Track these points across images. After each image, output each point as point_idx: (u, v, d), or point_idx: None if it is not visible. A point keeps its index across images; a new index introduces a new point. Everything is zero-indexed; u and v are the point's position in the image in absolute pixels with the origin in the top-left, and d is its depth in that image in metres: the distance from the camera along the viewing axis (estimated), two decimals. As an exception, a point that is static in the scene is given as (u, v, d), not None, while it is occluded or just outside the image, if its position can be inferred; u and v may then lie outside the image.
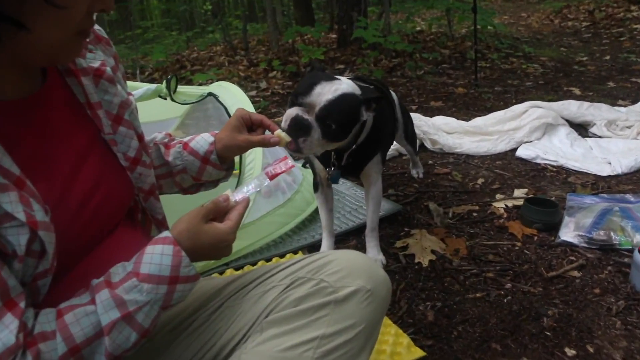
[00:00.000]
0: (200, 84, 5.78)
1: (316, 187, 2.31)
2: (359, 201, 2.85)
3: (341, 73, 6.58)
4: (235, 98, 2.70)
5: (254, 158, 2.45)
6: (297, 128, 1.66)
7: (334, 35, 9.17)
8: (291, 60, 7.31)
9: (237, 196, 1.14)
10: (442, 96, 5.13)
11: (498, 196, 2.89)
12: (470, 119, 4.08)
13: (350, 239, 2.56)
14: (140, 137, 1.24)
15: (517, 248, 2.37)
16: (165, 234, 1.02)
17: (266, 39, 10.01)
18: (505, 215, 2.66)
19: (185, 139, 1.49)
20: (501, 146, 3.55)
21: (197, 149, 1.41)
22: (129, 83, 2.65)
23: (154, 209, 1.31)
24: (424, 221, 2.67)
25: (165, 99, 2.67)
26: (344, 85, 1.72)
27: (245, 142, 1.36)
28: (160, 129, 3.52)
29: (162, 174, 1.44)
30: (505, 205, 2.75)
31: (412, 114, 3.76)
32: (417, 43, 7.63)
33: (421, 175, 3.24)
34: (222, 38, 8.51)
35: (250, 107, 2.63)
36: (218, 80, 6.50)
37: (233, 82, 6.47)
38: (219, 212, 1.10)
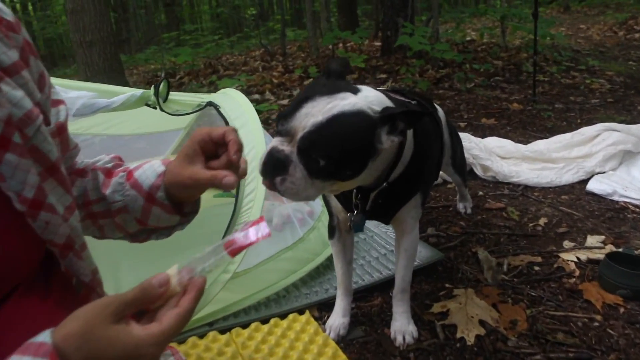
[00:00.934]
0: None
1: (332, 232, 1.77)
2: (390, 244, 2.29)
3: (383, 83, 6.03)
4: (240, 109, 2.19)
5: (256, 186, 1.93)
6: (273, 165, 1.17)
7: (379, 43, 8.62)
8: (329, 68, 6.79)
9: (185, 275, 0.73)
10: (494, 112, 4.51)
11: (566, 244, 2.28)
12: (528, 141, 3.47)
13: (375, 295, 2.00)
14: (50, 169, 0.82)
15: (596, 324, 1.76)
16: (44, 336, 0.63)
17: (307, 45, 9.54)
18: (577, 273, 2.05)
19: (132, 165, 1.06)
20: (568, 177, 2.92)
21: (141, 182, 1.00)
22: (107, 88, 2.19)
23: (76, 270, 0.89)
24: (470, 275, 2.09)
25: (155, 108, 2.18)
26: (350, 100, 1.19)
27: (191, 180, 0.92)
28: (160, 142, 3.08)
29: (100, 212, 1.04)
30: (577, 258, 2.14)
31: (460, 134, 3.18)
32: (467, 53, 7.01)
33: (469, 211, 2.66)
34: (259, 42, 8.08)
35: (256, 122, 2.12)
36: (248, 87, 6.05)
37: (265, 89, 6.04)
38: (146, 302, 0.71)
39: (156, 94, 2.13)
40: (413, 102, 1.62)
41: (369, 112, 1.19)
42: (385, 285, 2.01)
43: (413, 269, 1.97)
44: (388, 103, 1.29)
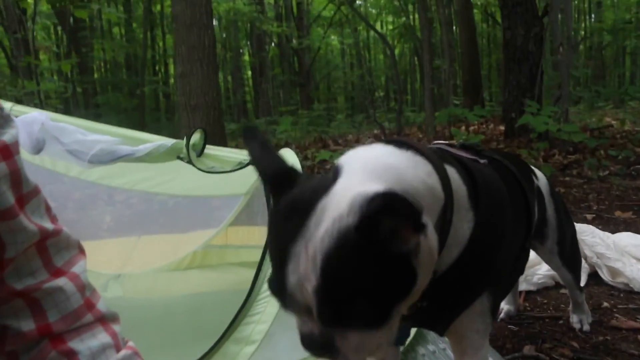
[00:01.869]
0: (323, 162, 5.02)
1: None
2: None
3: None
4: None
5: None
6: (320, 351, 0.83)
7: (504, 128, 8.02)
8: (443, 148, 6.30)
9: None
10: (633, 205, 3.72)
11: None
12: (677, 242, 2.70)
13: None
14: None
15: None
16: None
17: (425, 125, 9.15)
18: None
19: None
20: None
21: None
22: (135, 134, 1.90)
23: None
24: None
25: (190, 163, 1.84)
26: (324, 227, 0.76)
27: None
28: (214, 209, 2.73)
29: None
30: None
31: (582, 226, 2.53)
32: (603, 138, 6.18)
33: (586, 327, 1.98)
34: (374, 120, 7.84)
35: None
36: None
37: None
38: None
39: (187, 145, 1.80)
40: (482, 161, 1.12)
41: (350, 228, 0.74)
42: None
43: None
44: (392, 174, 0.85)
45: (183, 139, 1.82)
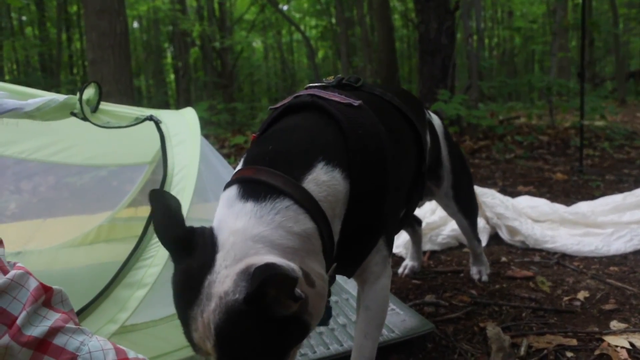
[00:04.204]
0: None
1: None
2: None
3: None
4: (183, 126, 1.77)
5: (156, 253, 1.44)
6: None
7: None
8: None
9: None
10: (534, 181, 3.92)
11: (615, 325, 1.65)
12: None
13: (331, 375, 1.42)
14: None
15: None
16: None
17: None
18: (628, 365, 1.43)
19: None
20: (618, 245, 2.29)
21: None
22: (23, 89, 1.80)
23: None
24: (472, 358, 1.48)
25: (85, 119, 1.76)
26: (220, 291, 0.85)
27: None
28: (125, 192, 2.62)
29: None
30: (631, 344, 1.52)
31: (484, 189, 2.64)
32: (511, 126, 6.48)
33: (485, 278, 2.06)
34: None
35: (196, 142, 1.69)
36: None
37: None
38: None
39: (80, 99, 1.72)
40: (356, 104, 1.13)
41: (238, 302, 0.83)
42: (347, 362, 1.43)
43: (390, 342, 1.42)
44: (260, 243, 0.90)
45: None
